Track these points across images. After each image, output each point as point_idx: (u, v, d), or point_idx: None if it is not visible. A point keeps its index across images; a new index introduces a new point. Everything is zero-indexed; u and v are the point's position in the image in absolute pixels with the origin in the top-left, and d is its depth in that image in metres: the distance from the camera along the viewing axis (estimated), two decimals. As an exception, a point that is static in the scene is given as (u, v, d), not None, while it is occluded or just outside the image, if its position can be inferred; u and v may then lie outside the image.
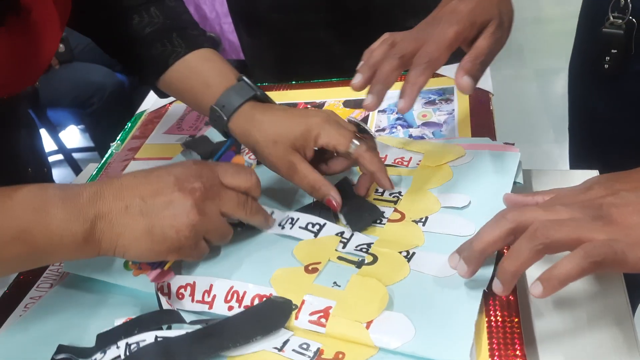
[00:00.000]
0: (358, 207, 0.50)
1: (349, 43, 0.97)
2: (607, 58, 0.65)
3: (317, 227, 0.49)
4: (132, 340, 0.40)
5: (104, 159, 0.68)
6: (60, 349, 0.42)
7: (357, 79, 0.49)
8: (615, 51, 0.65)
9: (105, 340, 0.42)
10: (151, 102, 0.79)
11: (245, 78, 0.54)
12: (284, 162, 0.49)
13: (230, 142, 0.54)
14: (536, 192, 0.44)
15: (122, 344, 0.40)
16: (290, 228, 0.49)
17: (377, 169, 0.48)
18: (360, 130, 0.50)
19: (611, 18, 0.64)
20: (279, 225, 0.50)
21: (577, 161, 0.85)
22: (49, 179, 0.73)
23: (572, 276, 0.35)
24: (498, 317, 0.39)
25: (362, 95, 0.49)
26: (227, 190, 0.45)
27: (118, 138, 0.72)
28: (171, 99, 0.78)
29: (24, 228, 0.39)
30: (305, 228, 0.49)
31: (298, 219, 0.50)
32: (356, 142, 0.48)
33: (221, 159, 0.53)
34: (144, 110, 0.77)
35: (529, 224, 0.37)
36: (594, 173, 0.55)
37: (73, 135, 2.23)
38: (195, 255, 0.45)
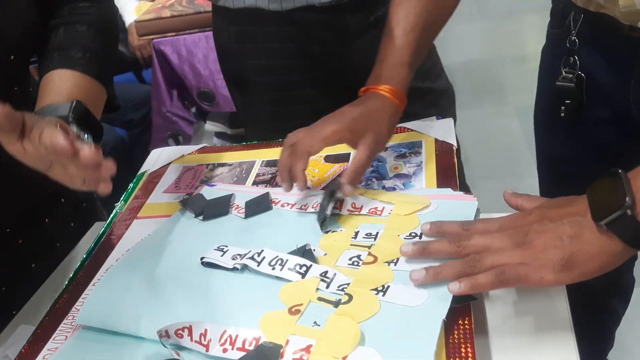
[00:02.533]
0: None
1: (332, 98, 1.06)
2: (563, 107, 0.73)
3: (304, 268, 0.55)
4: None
5: (109, 218, 0.75)
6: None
7: (284, 186, 0.62)
8: (569, 102, 0.73)
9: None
10: (151, 162, 0.86)
11: (75, 103, 0.57)
12: None
13: None
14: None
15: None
16: (280, 270, 0.55)
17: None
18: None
19: (563, 73, 0.72)
20: (270, 265, 0.56)
21: (548, 197, 0.92)
22: None
23: (484, 287, 0.48)
24: (456, 347, 0.46)
25: (341, 150, 0.68)
26: None
27: (122, 198, 0.79)
28: (169, 159, 0.85)
29: None
30: (294, 269, 0.55)
31: (287, 260, 0.56)
32: None
33: None
34: (145, 171, 0.84)
35: (469, 252, 0.49)
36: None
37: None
38: None
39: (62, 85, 0.61)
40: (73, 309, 0.60)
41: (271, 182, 0.75)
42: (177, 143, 2.06)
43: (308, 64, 1.01)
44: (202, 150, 0.87)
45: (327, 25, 0.96)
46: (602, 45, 0.66)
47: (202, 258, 0.60)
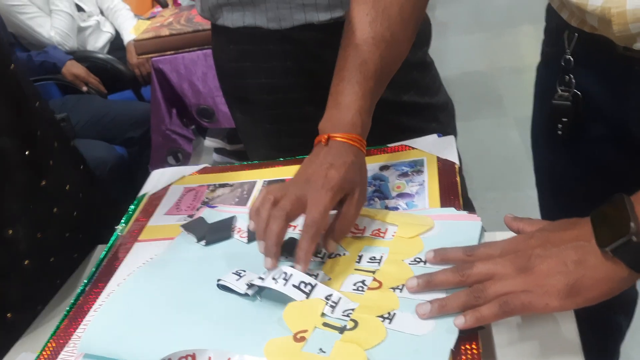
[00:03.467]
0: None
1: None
2: (560, 126, 0.73)
3: (309, 287, 0.54)
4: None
5: (110, 241, 0.74)
6: None
7: (261, 248, 0.57)
8: (566, 120, 0.72)
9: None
10: (152, 184, 0.86)
11: None
12: None
13: None
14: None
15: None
16: (284, 285, 0.54)
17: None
18: None
19: (559, 91, 0.72)
20: (273, 278, 0.55)
21: (547, 212, 0.92)
22: None
23: (489, 319, 0.47)
24: (464, 374, 0.45)
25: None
26: None
27: (122, 221, 0.78)
28: (170, 180, 0.85)
29: None
30: (298, 287, 0.54)
31: (292, 275, 0.55)
32: None
33: None
34: (145, 193, 0.83)
35: (473, 281, 0.49)
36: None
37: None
38: None
39: None
40: (74, 335, 0.60)
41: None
42: (177, 160, 2.05)
43: (307, 82, 1.01)
44: (203, 171, 0.86)
45: (325, 44, 0.97)
46: (597, 64, 0.66)
47: (218, 280, 0.59)
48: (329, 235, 0.59)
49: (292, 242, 0.59)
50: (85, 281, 0.68)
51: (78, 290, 0.67)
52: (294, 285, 0.54)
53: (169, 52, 1.78)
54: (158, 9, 2.67)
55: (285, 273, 0.55)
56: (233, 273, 0.59)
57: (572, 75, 0.70)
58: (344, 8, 0.94)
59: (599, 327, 0.93)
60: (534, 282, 0.46)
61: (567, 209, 0.64)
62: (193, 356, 0.51)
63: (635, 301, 1.00)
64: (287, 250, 0.59)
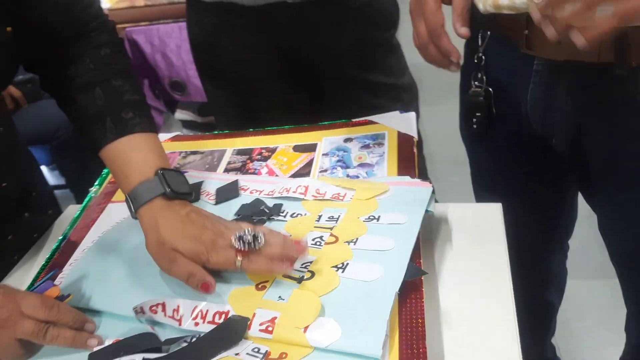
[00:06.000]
0: None
1: (300, 91, 1.10)
2: (474, 120, 0.79)
3: None
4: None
5: (84, 202, 0.78)
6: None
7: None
8: (480, 114, 0.78)
9: (97, 358, 0.51)
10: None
11: (161, 173, 0.60)
12: (165, 258, 0.56)
13: (51, 274, 0.61)
14: None
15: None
16: None
17: (264, 269, 0.55)
18: (254, 238, 0.55)
19: (473, 86, 0.77)
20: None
21: (479, 195, 0.98)
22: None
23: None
24: (408, 318, 0.50)
25: (308, 141, 0.68)
26: (24, 320, 0.51)
27: (96, 183, 0.81)
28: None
29: None
30: None
31: None
32: (239, 259, 0.54)
33: (38, 289, 0.58)
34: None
35: None
36: (497, 206, 0.68)
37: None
38: None
39: (135, 156, 0.61)
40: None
41: (241, 169, 0.78)
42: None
43: (277, 58, 1.05)
44: (175, 139, 0.90)
45: (297, 21, 1.00)
46: (505, 61, 0.72)
47: None
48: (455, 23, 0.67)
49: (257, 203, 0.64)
50: (60, 237, 0.71)
51: (53, 247, 0.70)
52: None
53: (143, 23, 1.78)
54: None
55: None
56: None
57: (483, 72, 0.75)
58: None
59: (533, 303, 1.00)
60: None
61: (495, 195, 0.71)
62: (163, 305, 0.55)
63: (565, 279, 1.08)
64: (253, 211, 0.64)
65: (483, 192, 0.93)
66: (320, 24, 1.02)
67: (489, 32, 0.72)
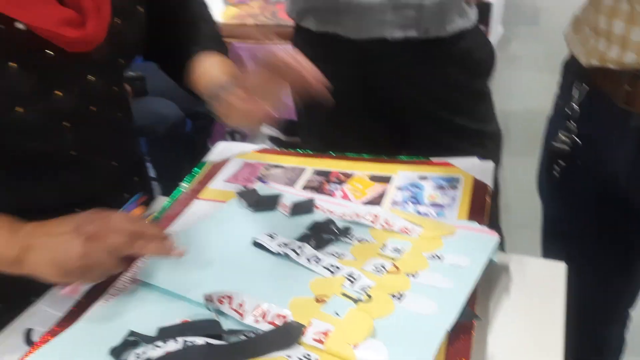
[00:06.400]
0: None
1: (383, 124, 1.15)
2: (557, 167, 0.78)
3: (334, 268, 0.64)
4: (187, 338, 0.55)
5: (173, 195, 0.85)
6: (131, 333, 0.58)
7: None
8: (563, 164, 0.78)
9: (166, 333, 0.57)
10: (216, 153, 0.96)
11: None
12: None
13: (135, 198, 0.69)
14: None
15: (180, 339, 0.55)
16: (315, 265, 0.64)
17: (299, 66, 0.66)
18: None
19: (560, 135, 0.77)
20: (307, 259, 0.65)
21: (547, 253, 0.96)
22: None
23: None
24: (453, 355, 0.52)
25: (384, 172, 0.71)
26: (113, 233, 0.58)
27: (185, 180, 0.89)
28: (232, 153, 0.95)
29: None
30: (327, 267, 0.64)
31: (322, 259, 0.65)
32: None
33: (126, 209, 0.66)
34: (208, 160, 0.94)
35: None
36: (562, 265, 0.68)
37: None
38: (88, 280, 0.61)
39: (212, 65, 0.75)
40: (136, 265, 0.70)
41: (318, 189, 0.83)
42: (233, 140, 2.18)
43: (368, 91, 1.10)
44: (262, 151, 0.96)
45: (392, 58, 1.05)
46: (598, 115, 0.71)
47: (254, 238, 0.69)
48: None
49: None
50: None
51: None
52: (323, 267, 0.64)
53: (250, 41, 1.91)
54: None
55: (318, 257, 0.65)
56: (266, 234, 0.69)
57: (575, 123, 0.75)
58: (417, 29, 1.02)
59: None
60: None
61: (564, 252, 0.70)
62: (230, 298, 0.60)
63: (621, 350, 1.02)
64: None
65: (551, 246, 0.92)
66: (415, 63, 1.06)
67: (583, 84, 0.72)
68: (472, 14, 1.10)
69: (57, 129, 0.67)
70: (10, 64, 0.58)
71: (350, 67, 1.07)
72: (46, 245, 0.58)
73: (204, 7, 0.85)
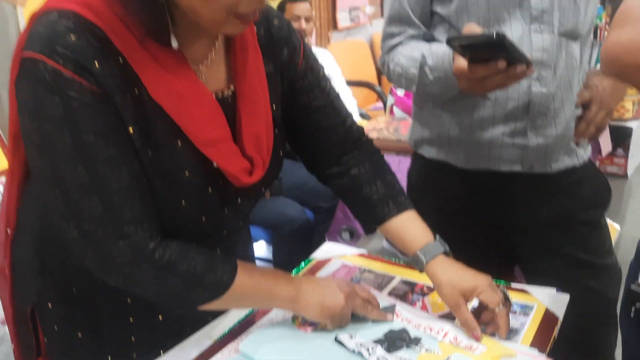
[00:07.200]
0: None
1: (488, 247, 1.20)
2: (633, 309, 0.80)
3: None
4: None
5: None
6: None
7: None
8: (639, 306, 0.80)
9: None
10: (322, 252, 1.12)
11: (438, 237, 0.88)
12: (454, 300, 0.81)
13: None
14: None
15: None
16: None
17: (503, 324, 0.79)
18: (505, 298, 0.81)
19: (639, 279, 0.80)
20: (377, 358, 0.75)
21: None
22: None
23: None
24: None
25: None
26: (357, 297, 0.84)
27: (295, 270, 1.05)
28: (334, 254, 1.10)
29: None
30: None
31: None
32: (501, 306, 0.79)
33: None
34: (313, 258, 1.10)
35: None
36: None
37: (260, 247, 2.69)
38: (335, 326, 0.82)
39: (417, 225, 0.89)
40: (238, 338, 0.85)
41: (402, 297, 0.94)
42: (351, 236, 2.35)
43: (475, 215, 1.18)
44: (361, 255, 1.10)
45: (502, 188, 1.13)
46: None
47: (337, 335, 0.81)
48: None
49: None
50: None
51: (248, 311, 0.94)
52: None
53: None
54: (379, 103, 3.11)
55: (386, 358, 0.76)
56: (347, 334, 0.81)
57: None
58: (522, 165, 1.10)
59: None
60: None
61: None
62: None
63: None
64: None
65: None
66: (526, 195, 1.13)
67: None
68: (584, 151, 1.15)
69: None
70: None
71: (460, 193, 1.17)
72: (318, 292, 0.81)
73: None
